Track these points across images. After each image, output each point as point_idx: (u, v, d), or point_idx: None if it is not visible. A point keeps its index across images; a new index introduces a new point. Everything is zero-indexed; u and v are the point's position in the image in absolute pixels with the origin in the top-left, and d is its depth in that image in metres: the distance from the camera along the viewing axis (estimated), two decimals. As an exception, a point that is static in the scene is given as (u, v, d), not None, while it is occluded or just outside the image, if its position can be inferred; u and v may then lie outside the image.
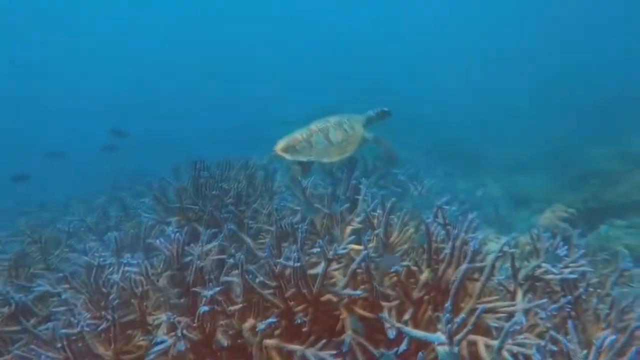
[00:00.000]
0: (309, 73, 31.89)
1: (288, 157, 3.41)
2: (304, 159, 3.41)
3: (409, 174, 6.79)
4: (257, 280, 2.20)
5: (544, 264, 2.65)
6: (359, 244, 2.54)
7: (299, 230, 2.40)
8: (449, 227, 3.01)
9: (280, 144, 3.47)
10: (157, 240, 2.43)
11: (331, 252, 2.17)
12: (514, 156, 12.16)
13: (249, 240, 2.92)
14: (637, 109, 13.23)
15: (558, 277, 2.59)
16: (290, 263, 2.13)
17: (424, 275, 2.42)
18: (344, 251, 2.27)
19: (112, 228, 4.18)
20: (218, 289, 2.05)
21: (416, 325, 2.52)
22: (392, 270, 2.45)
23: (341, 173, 3.71)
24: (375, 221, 2.74)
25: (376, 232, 2.46)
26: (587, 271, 2.74)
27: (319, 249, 2.26)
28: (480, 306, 2.00)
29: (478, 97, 19.38)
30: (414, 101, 18.74)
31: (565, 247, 2.73)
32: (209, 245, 2.77)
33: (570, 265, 2.82)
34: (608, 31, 28.05)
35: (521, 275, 2.70)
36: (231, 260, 2.35)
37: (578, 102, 16.05)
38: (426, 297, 2.54)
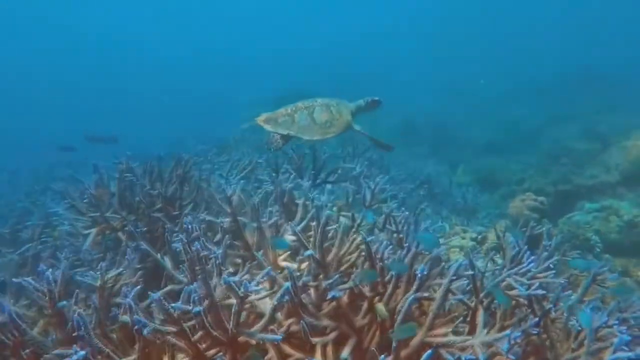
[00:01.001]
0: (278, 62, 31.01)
1: (268, 128, 3.33)
2: (283, 132, 3.33)
3: (372, 160, 6.43)
4: (152, 326, 1.72)
5: (508, 279, 2.28)
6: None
7: (214, 257, 1.93)
8: (400, 237, 2.62)
9: (263, 115, 3.41)
10: (24, 281, 1.91)
11: (242, 289, 1.71)
12: (484, 138, 11.94)
13: (168, 264, 2.43)
14: (599, 87, 13.17)
15: (524, 293, 2.22)
16: (189, 307, 1.67)
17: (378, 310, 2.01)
18: (257, 288, 1.81)
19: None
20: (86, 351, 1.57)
21: (361, 358, 2.14)
22: (328, 296, 2.03)
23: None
24: (312, 234, 2.28)
25: (307, 253, 2.01)
26: (557, 283, 2.41)
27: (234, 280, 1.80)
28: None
29: (447, 86, 19.02)
30: (389, 91, 18.37)
31: (532, 258, 2.35)
32: (112, 273, 2.28)
33: (540, 275, 2.48)
34: (570, 12, 28.16)
35: (483, 292, 2.33)
36: (128, 300, 1.86)
37: (540, 83, 15.97)
38: (372, 326, 2.15)
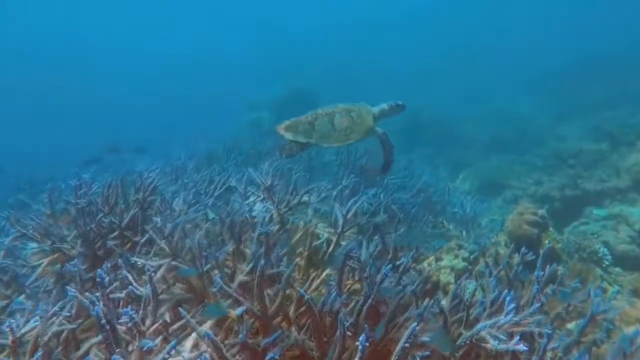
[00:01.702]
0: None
1: (288, 136, 3.32)
2: (303, 140, 3.33)
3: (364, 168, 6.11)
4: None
5: (483, 332, 1.95)
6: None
7: (125, 315, 1.65)
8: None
9: (285, 123, 3.41)
10: None
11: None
12: (489, 135, 11.46)
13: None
14: (601, 84, 12.50)
15: (498, 348, 1.89)
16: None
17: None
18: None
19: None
20: None
21: None
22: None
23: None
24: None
25: (238, 311, 1.71)
26: (541, 332, 2.07)
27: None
28: None
29: (452, 81, 18.40)
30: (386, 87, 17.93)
31: (513, 305, 2.01)
32: (28, 327, 2.01)
33: (522, 322, 2.14)
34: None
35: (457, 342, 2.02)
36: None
37: (547, 74, 15.31)
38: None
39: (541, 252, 3.15)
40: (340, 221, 3.05)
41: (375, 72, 20.58)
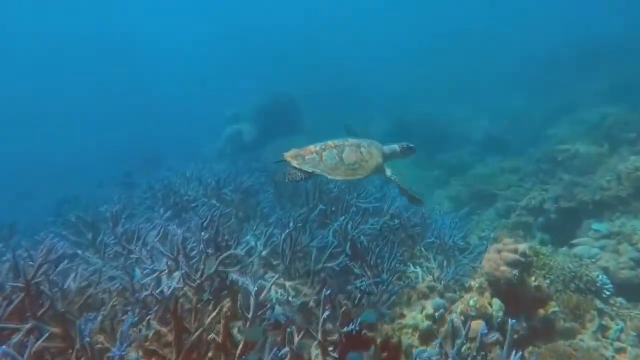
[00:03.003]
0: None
1: (295, 164, 3.33)
2: (309, 169, 3.30)
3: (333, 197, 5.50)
4: None
5: None
6: None
7: None
8: None
9: (292, 151, 3.42)
10: None
11: None
12: (481, 135, 10.73)
13: None
14: (597, 73, 11.59)
15: None
16: None
17: None
18: None
19: None
20: None
21: None
22: None
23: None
24: None
25: None
26: None
27: None
28: None
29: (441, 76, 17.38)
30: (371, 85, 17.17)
31: None
32: None
33: None
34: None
35: None
36: None
37: (540, 64, 14.29)
38: None
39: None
40: (252, 305, 2.46)
41: (359, 69, 19.72)
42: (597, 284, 4.61)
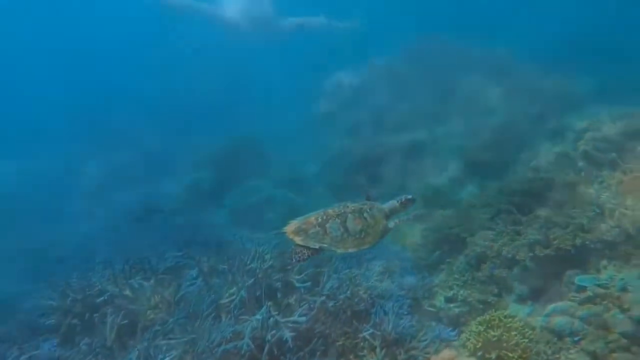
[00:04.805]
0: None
1: (299, 241, 3.12)
2: (315, 245, 3.11)
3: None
4: None
5: None
6: None
7: None
8: None
9: (292, 225, 3.22)
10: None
11: None
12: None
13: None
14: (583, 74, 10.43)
15: None
16: None
17: None
18: None
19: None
20: None
21: None
22: None
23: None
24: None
25: None
26: None
27: None
28: None
29: None
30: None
31: None
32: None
33: None
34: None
35: None
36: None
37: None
38: None
39: None
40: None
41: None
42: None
